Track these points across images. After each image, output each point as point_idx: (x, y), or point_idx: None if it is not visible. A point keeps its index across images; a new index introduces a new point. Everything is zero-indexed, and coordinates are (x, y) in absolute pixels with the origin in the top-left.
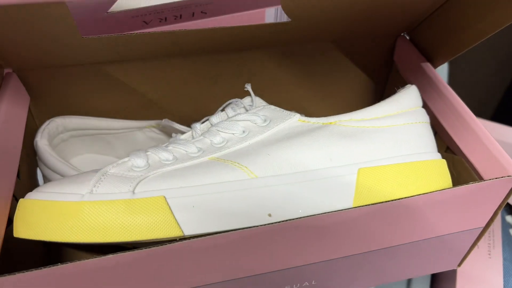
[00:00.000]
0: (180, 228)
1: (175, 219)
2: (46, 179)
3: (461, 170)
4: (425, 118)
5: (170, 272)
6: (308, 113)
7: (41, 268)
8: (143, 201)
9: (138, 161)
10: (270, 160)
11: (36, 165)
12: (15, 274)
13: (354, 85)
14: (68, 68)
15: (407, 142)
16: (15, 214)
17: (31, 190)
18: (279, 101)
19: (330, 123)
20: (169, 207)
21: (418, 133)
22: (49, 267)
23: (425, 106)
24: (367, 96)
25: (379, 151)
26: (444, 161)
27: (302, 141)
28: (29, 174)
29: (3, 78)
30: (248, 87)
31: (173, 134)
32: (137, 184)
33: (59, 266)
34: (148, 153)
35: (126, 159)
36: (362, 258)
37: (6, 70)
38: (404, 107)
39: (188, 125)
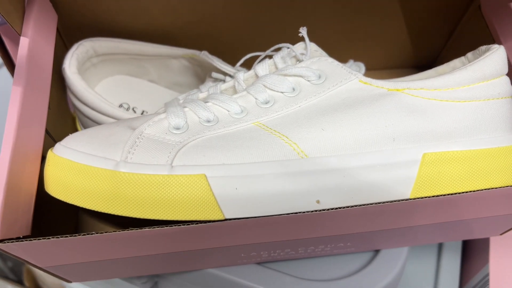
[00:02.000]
0: (221, 211)
1: (217, 201)
2: (75, 108)
3: None
4: (509, 90)
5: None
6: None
7: (67, 236)
8: (182, 178)
9: (176, 121)
10: (323, 138)
11: (65, 91)
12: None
13: (414, 25)
14: None
15: (484, 123)
16: (45, 167)
17: (60, 119)
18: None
19: (398, 90)
20: (210, 187)
21: (498, 113)
22: (80, 235)
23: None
24: (431, 40)
25: (450, 132)
26: None
27: (362, 114)
28: (58, 102)
29: None
30: (303, 31)
31: (213, 73)
32: (176, 154)
33: (91, 235)
34: (185, 109)
35: (162, 115)
36: (403, 231)
37: None
38: (487, 77)
39: (230, 61)
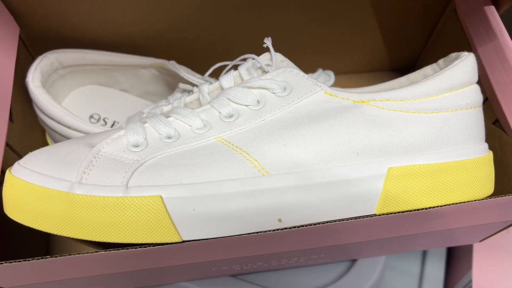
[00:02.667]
0: (178, 233)
1: (173, 223)
2: (43, 123)
3: (508, 153)
4: (478, 100)
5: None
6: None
7: (29, 260)
8: (137, 200)
9: (134, 138)
10: (285, 154)
11: (31, 103)
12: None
13: (391, 28)
14: None
15: (452, 135)
16: (3, 188)
17: (28, 133)
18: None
19: (363, 102)
20: (166, 209)
21: (467, 124)
22: (41, 258)
23: (479, 63)
24: (406, 44)
25: (417, 145)
26: (491, 155)
27: (325, 128)
28: (25, 116)
29: None
30: (268, 42)
31: (180, 84)
32: (132, 174)
33: (53, 258)
34: (146, 125)
35: (122, 132)
36: (372, 243)
37: None
38: (455, 86)
39: (202, 69)
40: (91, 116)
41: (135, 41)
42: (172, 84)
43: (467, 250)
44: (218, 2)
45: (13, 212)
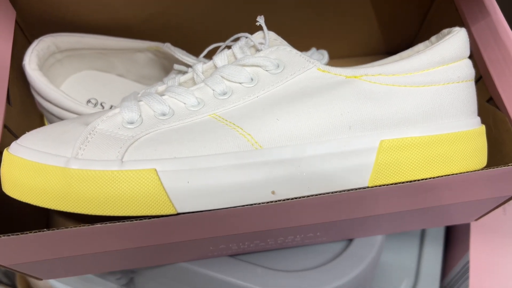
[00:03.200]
0: (173, 205)
1: (168, 196)
2: (40, 106)
3: (502, 130)
4: (470, 74)
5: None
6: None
7: (27, 233)
8: (132, 173)
9: (129, 115)
10: (278, 128)
11: (29, 87)
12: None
13: (386, 10)
14: None
15: (444, 108)
16: (1, 167)
17: (25, 116)
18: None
19: (355, 77)
20: (161, 182)
21: (458, 97)
22: (39, 231)
23: (472, 41)
24: (401, 27)
25: (408, 118)
26: (483, 128)
27: (318, 103)
28: (22, 99)
29: None
30: (261, 20)
31: (175, 65)
32: (127, 149)
33: (51, 231)
34: (141, 103)
35: (117, 110)
36: (367, 220)
37: None
38: (447, 60)
39: (197, 51)
40: (89, 101)
41: (130, 25)
42: (167, 67)
43: (465, 232)
44: None
45: (11, 189)
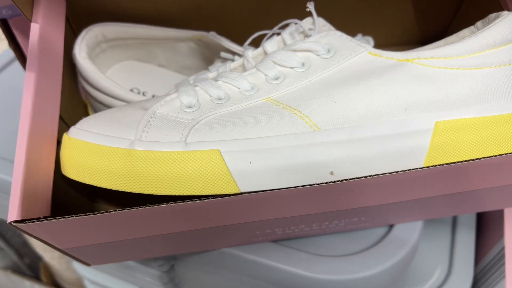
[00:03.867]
0: (236, 184)
1: (231, 175)
2: (87, 94)
3: None
4: None
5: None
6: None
7: (86, 214)
8: (197, 154)
9: (187, 100)
10: (335, 110)
11: (76, 77)
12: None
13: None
14: None
15: (496, 89)
16: (61, 151)
17: (72, 105)
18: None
19: (408, 60)
20: (225, 162)
21: (510, 79)
22: (99, 213)
23: None
24: (439, 14)
25: (462, 100)
26: None
27: (373, 85)
28: (70, 89)
29: None
30: (311, 6)
31: (221, 53)
32: (189, 131)
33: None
34: (196, 88)
35: (174, 95)
36: (417, 203)
37: None
38: (497, 44)
39: (238, 41)
40: (131, 90)
41: (173, 15)
42: (209, 57)
43: (499, 217)
44: None
45: (72, 171)
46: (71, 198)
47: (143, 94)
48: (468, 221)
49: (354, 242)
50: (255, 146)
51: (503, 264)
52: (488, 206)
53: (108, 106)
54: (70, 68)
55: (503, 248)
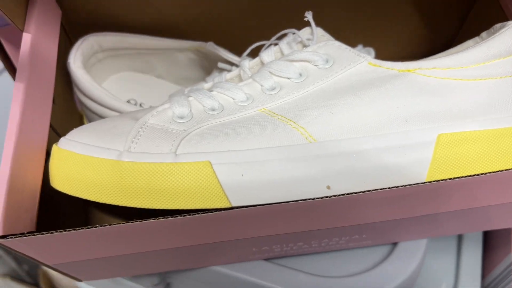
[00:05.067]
0: (227, 198)
1: (222, 189)
2: (82, 104)
3: None
4: None
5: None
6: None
7: (79, 229)
8: (187, 166)
9: (180, 110)
10: (332, 121)
11: (72, 87)
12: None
13: (426, 9)
14: None
15: (502, 101)
16: (50, 162)
17: (67, 115)
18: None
19: (409, 70)
20: (216, 175)
21: None
22: (83, 228)
23: None
24: (445, 27)
25: (466, 112)
26: None
27: (372, 96)
28: (65, 98)
29: None
30: (309, 16)
31: (219, 64)
32: (180, 142)
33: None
34: (190, 98)
35: (166, 105)
36: (421, 219)
37: None
38: (503, 54)
39: (237, 52)
40: (128, 101)
41: (171, 25)
42: (207, 68)
43: (506, 233)
44: None
45: (60, 183)
46: (62, 212)
47: (140, 105)
48: (475, 237)
49: (355, 261)
50: (248, 158)
51: (511, 281)
52: (495, 225)
53: (103, 117)
54: (65, 78)
55: (510, 264)
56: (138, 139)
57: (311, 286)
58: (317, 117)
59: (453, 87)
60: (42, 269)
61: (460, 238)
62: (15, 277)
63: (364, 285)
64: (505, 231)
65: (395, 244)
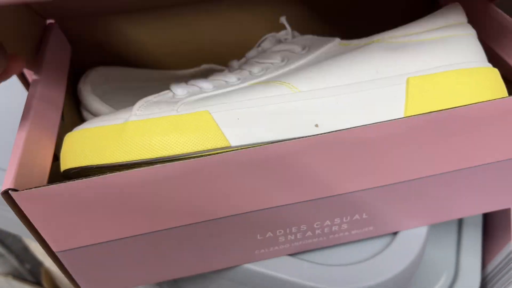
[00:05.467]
0: (226, 139)
1: (221, 131)
2: None
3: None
4: (472, 31)
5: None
6: None
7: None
8: (188, 116)
9: (179, 91)
10: (314, 75)
11: (80, 115)
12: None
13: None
14: (108, 17)
15: (456, 51)
16: (61, 150)
17: None
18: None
19: (373, 41)
20: (214, 119)
21: (467, 43)
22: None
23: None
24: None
25: (427, 60)
26: (496, 70)
27: (345, 57)
28: (72, 120)
29: (45, 29)
30: (283, 20)
31: (213, 66)
32: (180, 105)
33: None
34: (188, 83)
35: (167, 91)
36: (415, 187)
37: (48, 21)
38: (449, 21)
39: None
40: None
41: (171, 59)
42: None
43: (506, 220)
44: (235, 21)
45: (69, 161)
46: None
47: None
48: (475, 224)
49: (358, 250)
50: (241, 106)
51: (511, 269)
52: (492, 203)
53: None
54: (75, 102)
55: (510, 253)
56: (142, 108)
57: (314, 274)
58: (301, 76)
59: (412, 45)
60: (44, 268)
61: (460, 227)
62: (18, 276)
63: (366, 272)
64: (505, 219)
65: (395, 233)
